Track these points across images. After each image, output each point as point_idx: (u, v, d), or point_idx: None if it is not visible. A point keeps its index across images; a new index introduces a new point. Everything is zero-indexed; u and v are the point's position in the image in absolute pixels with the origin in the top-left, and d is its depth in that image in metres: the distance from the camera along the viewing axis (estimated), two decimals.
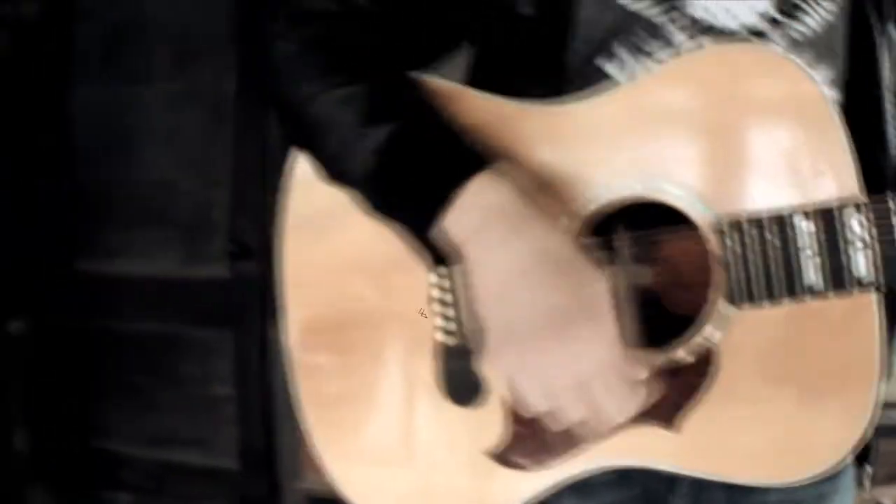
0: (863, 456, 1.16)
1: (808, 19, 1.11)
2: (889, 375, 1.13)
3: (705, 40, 1.05)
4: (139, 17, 3.50)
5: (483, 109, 1.05)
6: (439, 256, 0.99)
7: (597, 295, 0.90)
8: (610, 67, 1.07)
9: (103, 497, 3.73)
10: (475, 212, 0.92)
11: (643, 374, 0.90)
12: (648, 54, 1.06)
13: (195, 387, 3.58)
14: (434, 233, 0.95)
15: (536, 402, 0.91)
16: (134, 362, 3.64)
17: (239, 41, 3.34)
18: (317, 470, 2.86)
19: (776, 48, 1.03)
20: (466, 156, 0.96)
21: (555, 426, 0.93)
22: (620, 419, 0.91)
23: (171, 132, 3.50)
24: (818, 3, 1.12)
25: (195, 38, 3.43)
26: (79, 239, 3.64)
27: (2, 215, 2.00)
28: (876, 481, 2.91)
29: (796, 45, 1.09)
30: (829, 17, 1.12)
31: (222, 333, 3.50)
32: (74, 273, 3.66)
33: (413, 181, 0.97)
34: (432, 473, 1.09)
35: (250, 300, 3.34)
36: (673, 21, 1.07)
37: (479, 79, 1.16)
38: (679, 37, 1.07)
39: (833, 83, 1.12)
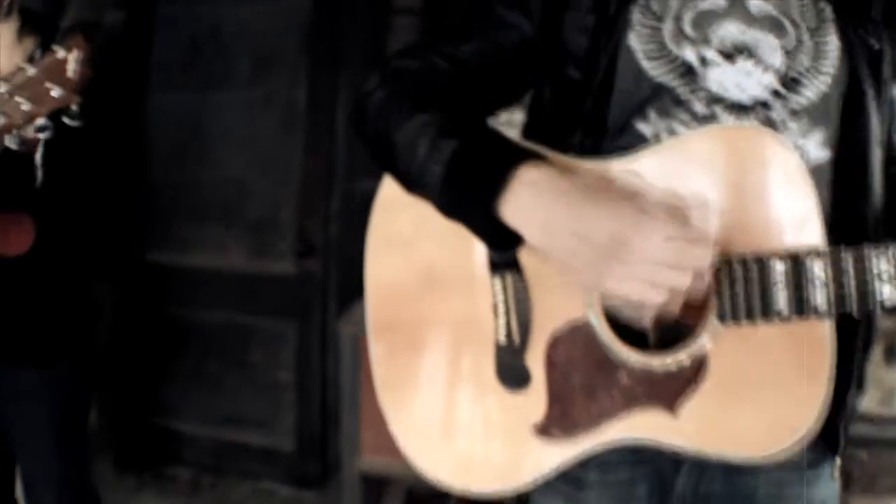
0: (833, 450, 1.33)
1: (805, 91, 1.26)
2: (861, 387, 1.33)
3: (719, 110, 1.24)
4: (217, 28, 3.64)
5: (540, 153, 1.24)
6: (501, 244, 1.19)
7: (639, 199, 1.10)
8: (642, 127, 1.25)
9: (165, 472, 3.86)
10: (524, 191, 1.12)
11: (698, 235, 1.09)
12: (674, 118, 1.24)
13: (259, 373, 3.72)
14: (495, 216, 1.14)
15: (630, 292, 1.07)
16: (203, 348, 3.79)
17: (311, 53, 3.49)
18: (372, 451, 3.02)
19: (765, 128, 1.20)
20: (512, 154, 1.16)
21: (649, 306, 1.09)
22: (704, 266, 1.07)
23: (245, 136, 3.63)
24: (815, 77, 1.26)
25: (270, 49, 3.55)
26: (155, 232, 3.79)
27: (86, 209, 2.18)
28: (882, 491, 3.05)
29: (795, 113, 1.24)
30: (824, 88, 1.26)
31: (286, 325, 3.63)
32: (149, 263, 3.80)
33: (474, 182, 1.16)
34: (482, 443, 1.30)
35: (314, 295, 3.49)
36: (695, 94, 1.24)
37: (532, 126, 1.37)
38: (699, 106, 1.24)
39: (825, 143, 1.25)
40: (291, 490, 3.72)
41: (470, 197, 1.16)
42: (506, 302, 1.26)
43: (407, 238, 1.32)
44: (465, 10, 1.38)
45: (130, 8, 3.72)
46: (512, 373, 1.27)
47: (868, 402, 2.90)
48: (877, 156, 1.30)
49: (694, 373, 1.17)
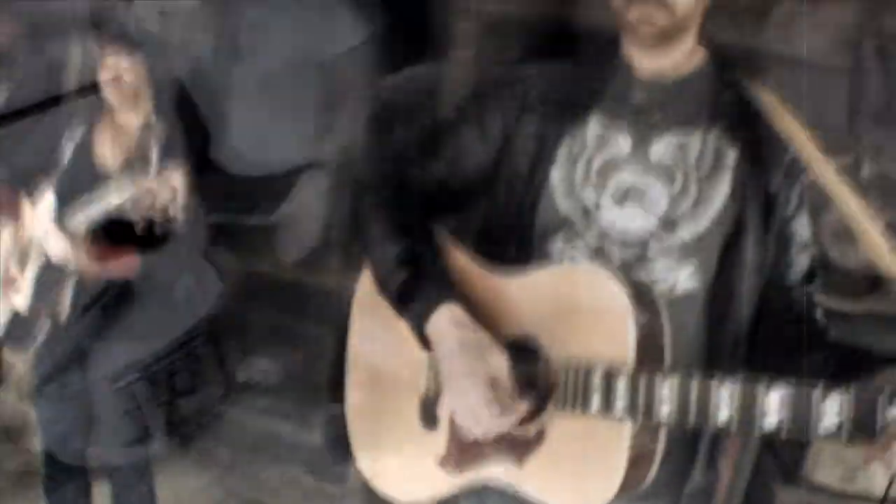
0: None
1: (681, 233, 1.43)
2: (714, 469, 1.51)
3: (607, 244, 1.45)
4: None
5: (462, 264, 1.53)
6: (424, 342, 1.47)
7: (496, 367, 1.39)
8: (552, 248, 1.49)
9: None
10: (438, 325, 1.43)
11: (504, 411, 1.39)
12: (574, 246, 1.46)
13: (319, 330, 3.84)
14: (422, 330, 1.45)
15: (459, 414, 1.43)
16: (282, 303, 4.13)
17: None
18: None
19: (604, 269, 1.39)
20: (443, 294, 1.44)
21: (472, 430, 1.44)
22: (493, 429, 1.41)
23: None
24: (692, 220, 1.42)
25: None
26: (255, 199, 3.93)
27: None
28: None
29: (668, 250, 1.43)
30: (701, 230, 1.43)
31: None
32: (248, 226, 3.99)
33: (414, 306, 1.46)
34: (412, 464, 1.59)
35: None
36: (589, 229, 1.46)
37: (485, 231, 1.61)
38: (591, 239, 1.46)
39: (695, 275, 1.43)
40: (314, 482, 3.94)
41: (407, 315, 1.49)
42: (429, 366, 1.56)
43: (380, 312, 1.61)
44: (438, 127, 1.62)
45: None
46: (427, 417, 1.57)
47: (829, 477, 2.93)
48: (748, 287, 1.45)
49: (537, 439, 1.44)
